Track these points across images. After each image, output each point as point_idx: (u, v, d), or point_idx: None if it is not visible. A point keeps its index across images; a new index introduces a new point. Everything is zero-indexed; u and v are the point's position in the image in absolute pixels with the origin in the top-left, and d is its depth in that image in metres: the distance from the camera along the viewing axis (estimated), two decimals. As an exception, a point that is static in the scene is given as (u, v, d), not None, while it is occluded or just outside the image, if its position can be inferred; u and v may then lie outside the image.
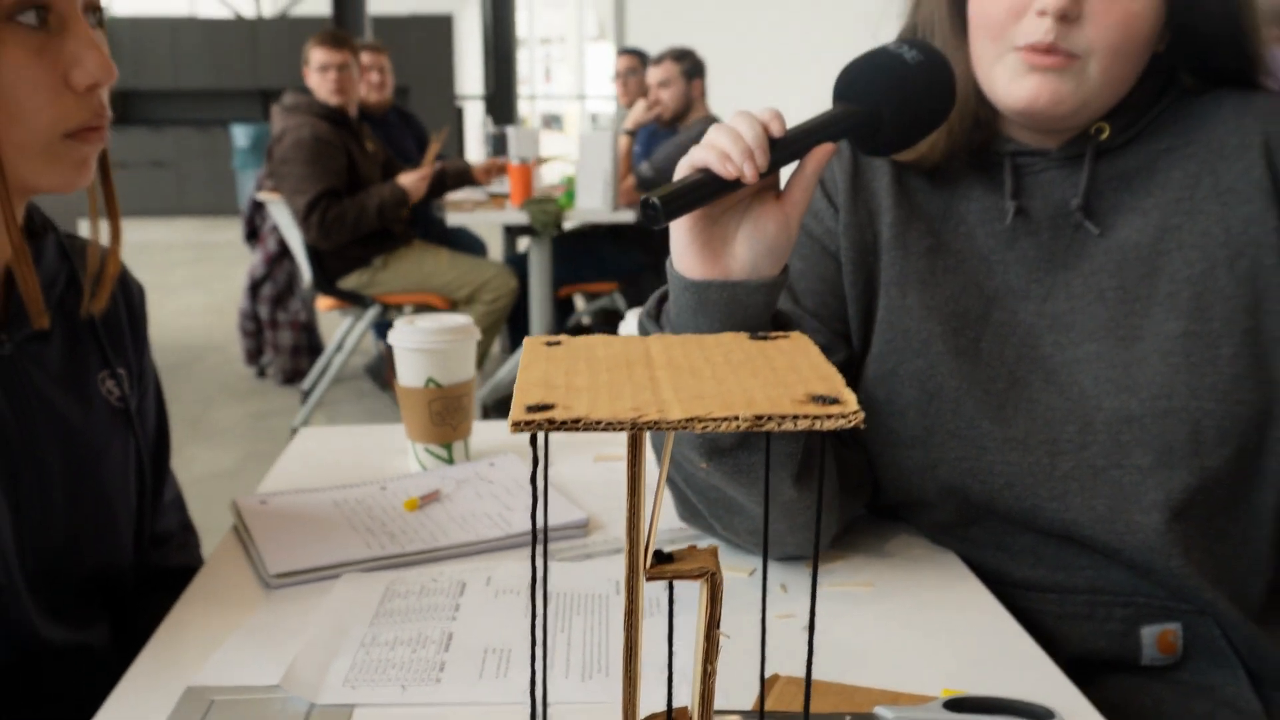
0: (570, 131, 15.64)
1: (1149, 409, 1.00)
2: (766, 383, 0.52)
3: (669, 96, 4.59)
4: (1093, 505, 1.01)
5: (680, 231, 0.89)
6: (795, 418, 0.48)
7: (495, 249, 6.08)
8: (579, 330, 4.65)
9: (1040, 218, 1.08)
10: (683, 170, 0.86)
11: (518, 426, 0.47)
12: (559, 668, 0.85)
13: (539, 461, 0.49)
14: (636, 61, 5.31)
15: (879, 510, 1.15)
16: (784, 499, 0.97)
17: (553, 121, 16.67)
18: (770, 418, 0.47)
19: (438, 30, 12.59)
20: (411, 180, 4.17)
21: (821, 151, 0.89)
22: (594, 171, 4.19)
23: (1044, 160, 1.08)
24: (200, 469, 4.03)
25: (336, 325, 4.77)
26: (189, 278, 8.55)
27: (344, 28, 8.78)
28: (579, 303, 5.31)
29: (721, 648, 0.57)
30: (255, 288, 5.06)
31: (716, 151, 0.84)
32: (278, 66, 12.38)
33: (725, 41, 10.92)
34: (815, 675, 0.85)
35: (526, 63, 14.56)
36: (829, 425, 0.48)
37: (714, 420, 0.47)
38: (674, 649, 0.58)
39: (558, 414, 0.47)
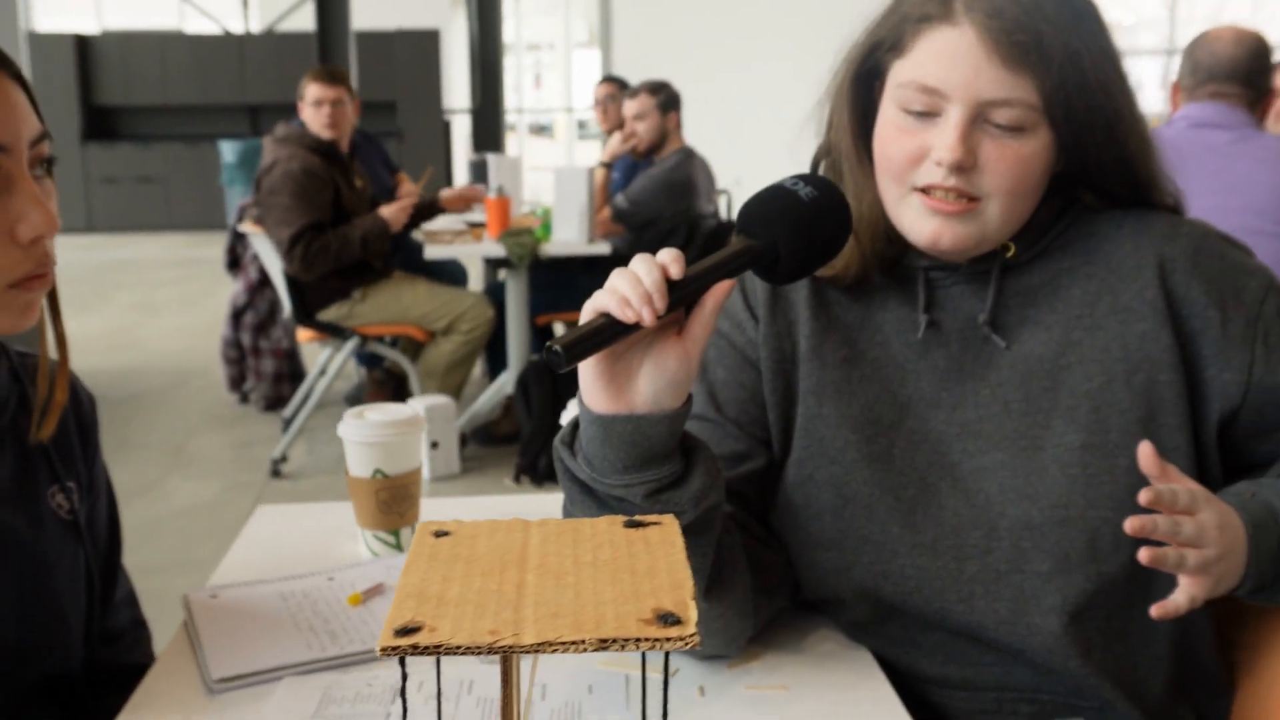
0: (560, 139, 15.69)
1: (1049, 517, 1.05)
2: (620, 594, 0.57)
3: (644, 129, 4.64)
4: (996, 608, 1.06)
5: (586, 370, 0.94)
6: (638, 640, 0.53)
7: (476, 275, 6.13)
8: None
9: (951, 330, 1.13)
10: (586, 314, 0.91)
11: (386, 651, 0.52)
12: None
13: (407, 678, 0.54)
14: (615, 88, 5.36)
15: (802, 604, 1.20)
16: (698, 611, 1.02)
17: (542, 130, 16.73)
18: (615, 640, 0.53)
19: (424, 44, 12.63)
20: (392, 211, 4.23)
21: (720, 289, 0.94)
22: (570, 204, 4.25)
23: (954, 275, 1.13)
24: (181, 501, 4.08)
25: (319, 352, 4.82)
26: (176, 296, 8.60)
27: (329, 43, 8.84)
28: (558, 330, 5.36)
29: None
30: (237, 315, 5.11)
31: (617, 297, 0.89)
32: (265, 82, 12.43)
33: (712, 46, 11.01)
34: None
35: (514, 70, 14.60)
36: (667, 647, 0.53)
37: (563, 644, 0.52)
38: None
39: (422, 638, 0.53)
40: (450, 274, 5.16)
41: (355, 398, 4.96)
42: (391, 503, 1.35)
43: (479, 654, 0.52)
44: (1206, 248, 1.10)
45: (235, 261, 5.09)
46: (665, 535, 0.64)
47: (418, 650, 0.52)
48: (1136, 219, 1.12)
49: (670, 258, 0.92)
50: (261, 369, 5.16)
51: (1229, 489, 1.06)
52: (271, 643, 1.12)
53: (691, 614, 0.55)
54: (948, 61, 1.03)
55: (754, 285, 1.19)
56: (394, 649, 0.52)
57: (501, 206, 4.34)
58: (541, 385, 4.06)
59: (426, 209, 4.59)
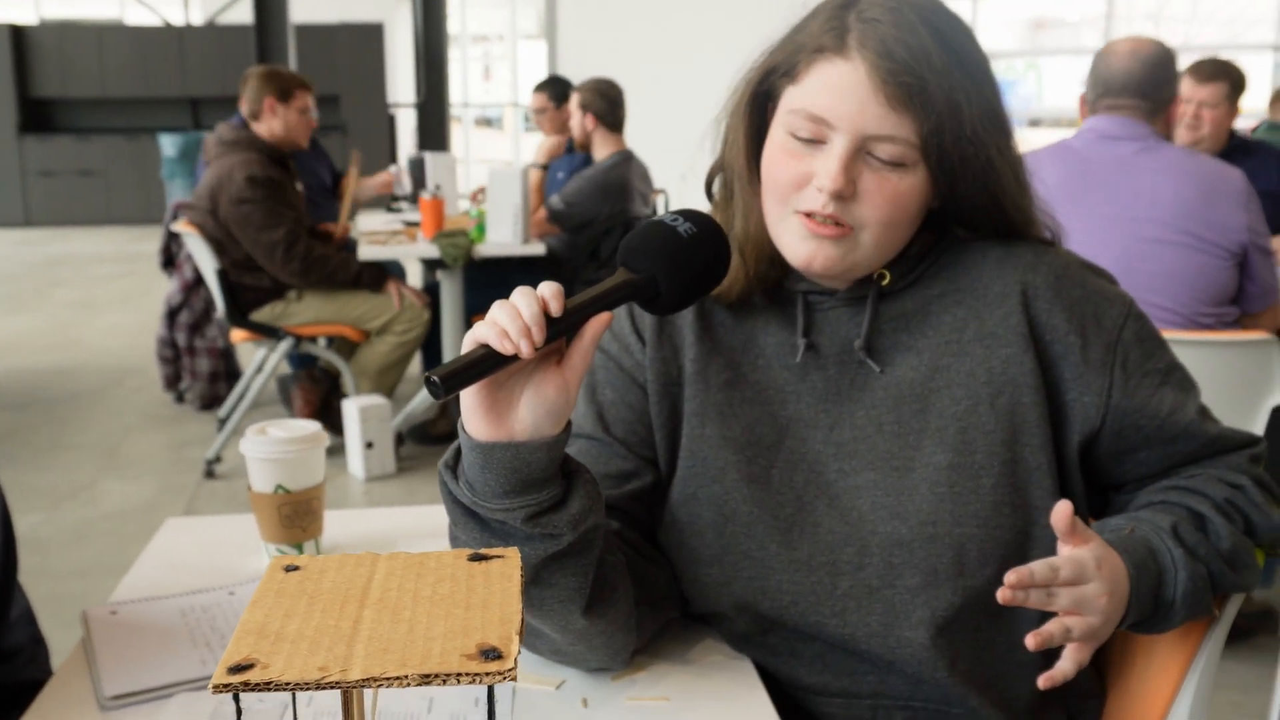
0: (508, 131, 15.65)
1: (918, 534, 1.10)
2: (451, 629, 0.60)
3: (573, 124, 4.68)
4: (868, 621, 1.11)
5: (468, 397, 0.97)
6: (459, 675, 0.56)
7: (414, 275, 6.13)
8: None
9: (828, 353, 1.17)
10: (467, 344, 0.94)
11: (218, 689, 0.55)
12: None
13: (241, 714, 0.57)
14: (546, 99, 5.38)
15: (691, 616, 1.24)
16: (576, 628, 1.05)
17: (490, 123, 16.69)
18: (437, 675, 0.56)
19: (368, 38, 12.57)
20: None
21: (599, 321, 0.97)
22: (504, 205, 4.27)
23: (832, 300, 1.17)
24: (113, 503, 4.06)
25: (255, 350, 4.80)
26: (115, 293, 8.52)
27: (269, 36, 8.78)
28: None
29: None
30: (173, 314, 5.08)
31: (496, 329, 0.92)
32: (206, 75, 12.30)
33: (659, 37, 11.03)
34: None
35: (460, 62, 14.54)
36: (486, 681, 0.56)
37: (388, 679, 0.56)
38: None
39: (254, 675, 0.56)
40: (386, 271, 5.16)
41: (284, 389, 4.94)
42: (294, 517, 1.37)
43: (308, 689, 0.55)
44: (1068, 276, 1.15)
45: (170, 260, 5.07)
46: (505, 569, 0.67)
47: (249, 687, 0.55)
48: (1002, 248, 1.17)
49: (550, 292, 0.95)
50: (197, 368, 5.13)
51: (1107, 523, 1.11)
52: (166, 659, 1.15)
53: (513, 649, 0.58)
54: (837, 93, 1.07)
55: (641, 311, 1.23)
56: (226, 686, 0.55)
57: (436, 207, 4.35)
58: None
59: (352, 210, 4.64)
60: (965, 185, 1.10)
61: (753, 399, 1.18)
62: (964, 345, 1.14)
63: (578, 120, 4.65)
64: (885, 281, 1.16)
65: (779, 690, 1.16)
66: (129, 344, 6.65)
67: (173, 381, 5.25)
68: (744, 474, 1.15)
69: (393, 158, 12.28)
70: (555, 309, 0.94)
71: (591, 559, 1.03)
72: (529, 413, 0.97)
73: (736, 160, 1.19)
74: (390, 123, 12.69)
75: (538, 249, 4.32)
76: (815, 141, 1.09)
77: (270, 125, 4.32)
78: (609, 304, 0.99)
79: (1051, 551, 1.11)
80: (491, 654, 0.58)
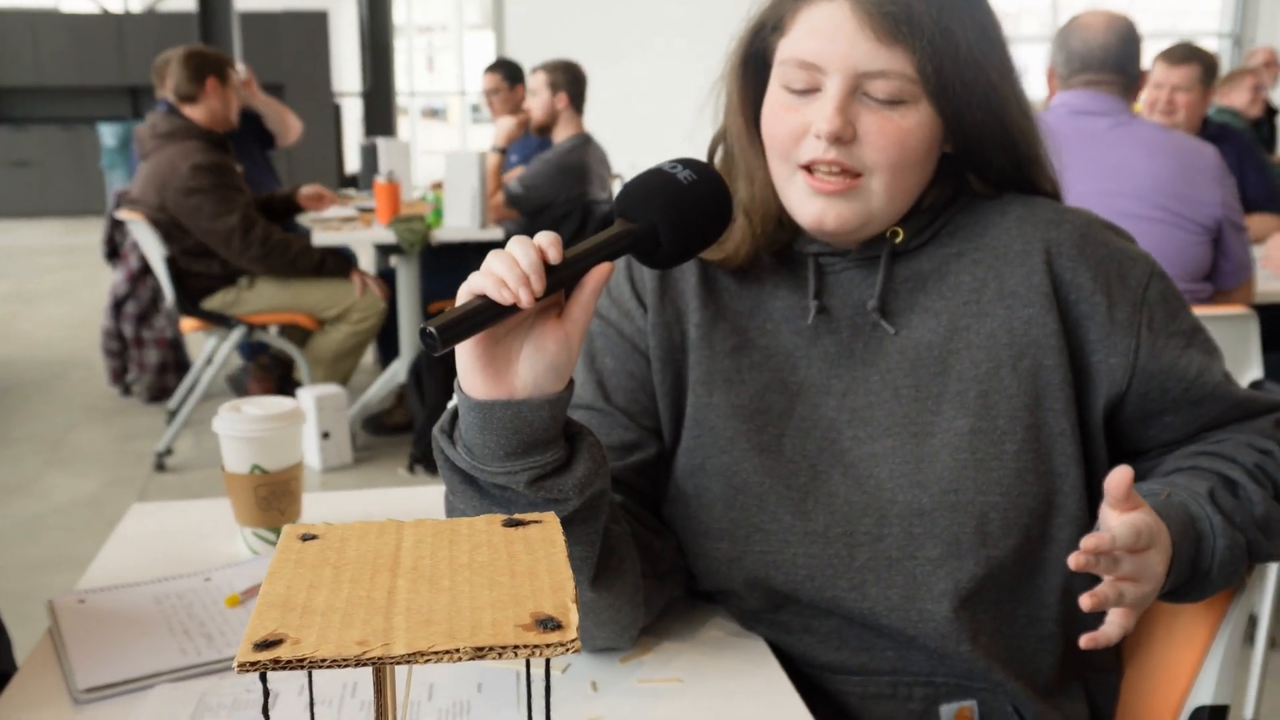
0: (453, 122, 15.49)
1: (939, 502, 1.05)
2: (499, 598, 0.54)
3: (535, 106, 4.60)
4: (888, 595, 1.06)
5: (464, 354, 0.92)
6: (515, 648, 0.50)
7: (367, 262, 6.02)
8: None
9: (841, 316, 1.12)
10: (462, 296, 0.89)
11: (244, 668, 0.49)
12: (365, 786, 0.87)
13: (269, 695, 0.51)
14: (499, 80, 5.29)
15: (696, 593, 1.19)
16: (584, 602, 1.00)
17: (435, 114, 16.50)
18: (492, 649, 0.50)
19: (312, 26, 12.37)
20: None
21: (600, 272, 0.92)
22: (462, 189, 4.18)
23: (844, 261, 1.12)
24: (60, 497, 3.93)
25: (205, 341, 4.68)
26: (55, 286, 8.30)
27: (212, 24, 8.60)
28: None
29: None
30: (118, 305, 4.94)
31: (493, 279, 0.87)
32: (146, 63, 12.02)
33: (608, 28, 10.96)
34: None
35: (406, 52, 14.36)
36: (547, 654, 0.50)
37: (437, 653, 0.50)
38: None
39: (285, 652, 0.49)
40: (339, 259, 5.06)
41: (238, 381, 4.83)
42: (271, 499, 1.30)
43: (347, 666, 0.49)
44: (1091, 233, 1.11)
45: (115, 251, 4.92)
46: (546, 534, 0.62)
47: (279, 665, 0.49)
48: (1022, 205, 1.13)
49: (547, 240, 0.90)
50: (145, 360, 5.00)
51: (1139, 488, 1.07)
52: (143, 649, 1.07)
53: (572, 618, 0.52)
54: (823, 36, 1.04)
55: (642, 274, 1.18)
56: (253, 664, 0.49)
57: (391, 192, 4.26)
58: (435, 374, 3.99)
59: (281, 205, 4.51)
60: (971, 115, 1.06)
61: (761, 365, 1.13)
62: (984, 306, 1.09)
63: (544, 100, 4.57)
64: (899, 240, 1.11)
65: (792, 669, 1.10)
66: (71, 336, 6.48)
67: (119, 374, 5.11)
68: (754, 443, 1.10)
69: (338, 147, 12.11)
70: (554, 256, 0.89)
71: (598, 527, 0.98)
72: (529, 369, 0.91)
73: (735, 124, 1.15)
74: (336, 112, 12.51)
75: (495, 234, 4.24)
76: (810, 91, 1.06)
77: (210, 106, 4.19)
78: (609, 254, 0.94)
79: (1075, 520, 1.07)
80: (550, 624, 0.52)
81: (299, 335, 4.43)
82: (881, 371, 1.10)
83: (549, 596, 0.54)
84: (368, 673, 1.05)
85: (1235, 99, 5.27)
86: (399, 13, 12.44)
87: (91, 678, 1.02)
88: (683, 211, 0.97)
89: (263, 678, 0.50)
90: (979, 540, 1.05)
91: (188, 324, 4.31)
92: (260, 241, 3.99)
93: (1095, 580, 1.13)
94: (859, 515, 1.07)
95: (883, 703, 1.08)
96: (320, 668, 0.49)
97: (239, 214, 3.96)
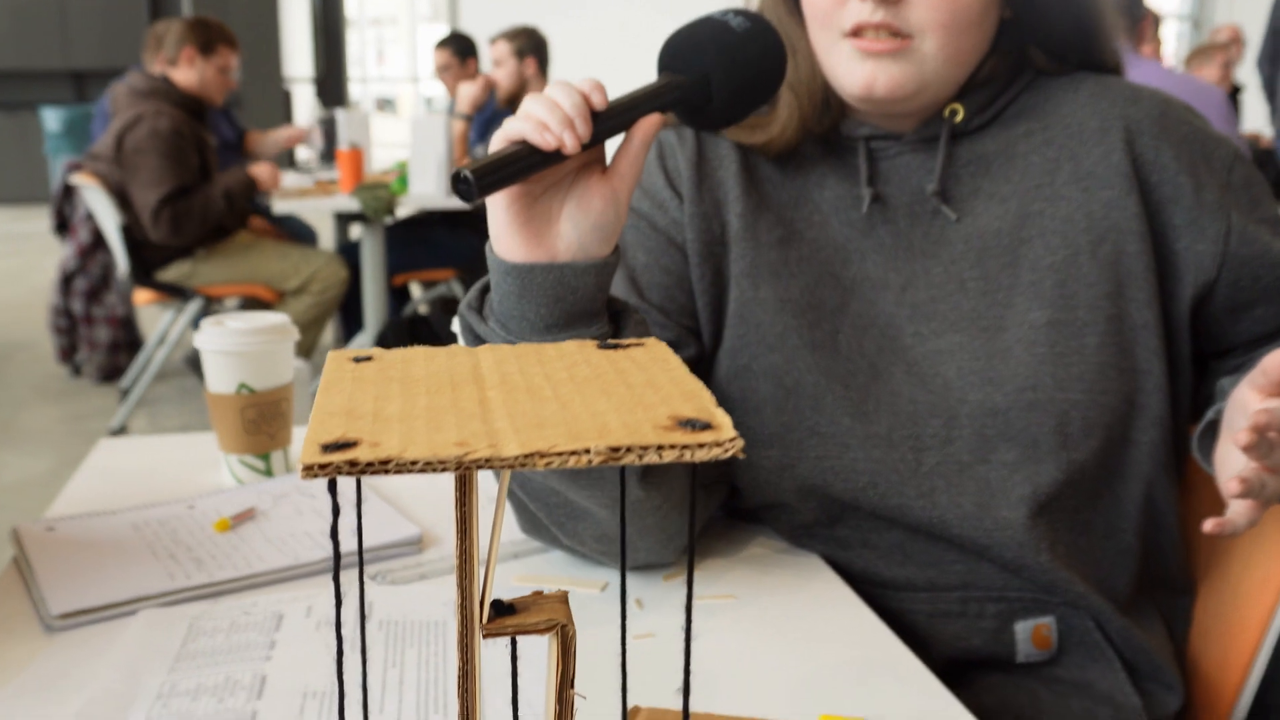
0: (404, 114, 15.28)
1: (1014, 401, 0.95)
2: (621, 404, 0.43)
3: (502, 76, 4.47)
4: (960, 502, 0.96)
5: (498, 211, 0.81)
6: (659, 448, 0.39)
7: (327, 237, 5.86)
8: (416, 321, 4.48)
9: (897, 204, 1.02)
10: (497, 144, 0.78)
11: (310, 471, 0.37)
12: (390, 711, 0.76)
13: (339, 513, 0.39)
14: (449, 55, 5.15)
15: (735, 513, 1.08)
16: (630, 499, 0.89)
17: (386, 105, 16.27)
18: (629, 449, 0.39)
19: (262, 9, 12.11)
20: (264, 171, 3.97)
21: (649, 123, 0.83)
22: (428, 155, 4.05)
23: (898, 144, 1.03)
24: (10, 476, 3.75)
25: (158, 317, 4.51)
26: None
27: (161, 6, 8.38)
28: (415, 291, 5.15)
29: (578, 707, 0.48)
30: (67, 281, 4.74)
31: (533, 121, 0.77)
32: (91, 46, 11.74)
33: (562, 22, 10.81)
34: (694, 707, 0.77)
35: (358, 44, 14.13)
36: (701, 456, 0.39)
37: (560, 455, 0.38)
38: (519, 717, 0.49)
39: (362, 453, 0.38)
40: (298, 235, 4.90)
41: (196, 360, 4.66)
42: (260, 422, 1.18)
43: (442, 470, 0.38)
44: (1171, 112, 1.02)
45: (64, 224, 4.73)
46: (653, 354, 0.50)
47: (358, 468, 0.37)
48: (1095, 82, 1.03)
49: (591, 85, 0.80)
50: (95, 338, 4.80)
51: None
52: (123, 573, 0.95)
53: (723, 418, 0.41)
54: None
55: (676, 163, 1.07)
56: (322, 467, 0.37)
57: (354, 159, 4.11)
58: (402, 346, 3.85)
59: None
60: None
61: (810, 258, 1.02)
62: (1058, 189, 1.00)
63: (511, 69, 4.45)
64: (959, 118, 1.01)
65: (851, 587, 1.00)
66: (15, 319, 6.26)
67: (68, 353, 4.91)
68: (806, 340, 0.99)
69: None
70: (598, 101, 0.79)
71: None
72: (573, 228, 0.82)
73: None
74: (286, 99, 12.26)
75: (462, 203, 4.10)
76: None
77: (186, 76, 4.03)
78: (657, 106, 0.84)
79: (1157, 421, 0.98)
80: (696, 424, 0.40)
81: (259, 308, 4.27)
82: (944, 263, 1.00)
83: (683, 402, 0.43)
84: (387, 594, 0.93)
85: (1207, 74, 5.25)
86: (351, 5, 12.24)
87: (66, 603, 0.89)
88: (737, 63, 0.86)
89: (332, 486, 0.39)
90: (1059, 442, 0.95)
91: (142, 296, 4.14)
92: (169, 220, 3.77)
93: (1178, 491, 1.04)
94: (925, 416, 0.97)
95: (952, 621, 0.98)
96: (410, 471, 0.37)
97: (165, 190, 3.76)
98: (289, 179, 4.77)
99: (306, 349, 4.20)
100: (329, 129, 5.21)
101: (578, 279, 0.81)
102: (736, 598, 0.93)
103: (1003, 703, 0.95)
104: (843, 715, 0.75)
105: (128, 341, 4.85)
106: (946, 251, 1.00)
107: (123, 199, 3.89)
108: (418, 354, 0.51)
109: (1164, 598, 1.07)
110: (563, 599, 0.47)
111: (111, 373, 4.81)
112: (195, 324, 4.39)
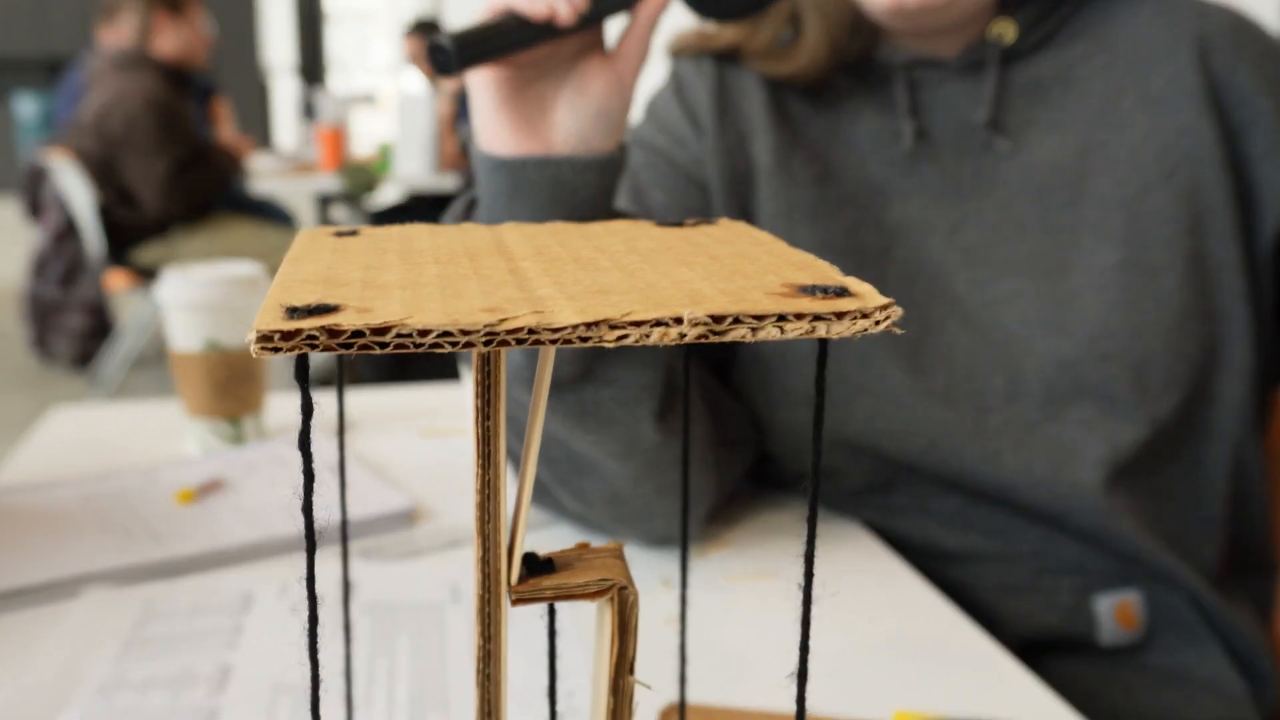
0: (385, 108, 15.10)
1: (1087, 351, 0.84)
2: (710, 274, 0.31)
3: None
4: (1029, 465, 0.84)
5: (484, 94, 0.71)
6: (780, 319, 0.27)
7: (307, 223, 5.71)
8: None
9: (942, 139, 0.91)
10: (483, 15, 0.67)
11: (267, 343, 0.25)
12: (380, 707, 0.63)
13: (311, 410, 0.27)
14: (421, 43, 5.00)
15: (763, 481, 0.97)
16: (645, 446, 0.77)
17: (367, 99, 16.08)
18: (738, 320, 0.27)
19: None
20: (238, 141, 3.84)
21: (655, 1, 0.72)
22: (413, 135, 3.92)
23: (942, 72, 0.91)
24: (-25, 465, 3.60)
25: (132, 303, 4.36)
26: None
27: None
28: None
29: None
30: (41, 267, 4.59)
31: None
32: (68, 32, 11.53)
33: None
34: (724, 697, 0.65)
35: (338, 39, 13.96)
36: (842, 330, 0.27)
37: (638, 325, 0.26)
38: (557, 711, 0.37)
39: (346, 319, 0.26)
40: (274, 220, 4.75)
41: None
42: (229, 384, 1.05)
43: (465, 346, 0.25)
44: (1246, 26, 0.91)
45: (35, 208, 4.57)
46: (738, 231, 0.38)
47: (339, 339, 0.25)
48: None
49: None
50: (68, 325, 4.65)
51: None
52: (67, 549, 0.82)
53: (864, 287, 0.29)
54: None
55: (695, 95, 0.95)
56: (287, 336, 0.25)
57: (336, 138, 3.98)
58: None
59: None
60: None
61: (849, 200, 0.90)
62: (1124, 115, 0.88)
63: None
64: (1009, 39, 0.89)
65: (908, 560, 0.88)
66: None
67: (39, 341, 4.76)
68: None
69: (267, 126, 11.71)
70: None
71: (661, 348, 0.76)
72: (572, 116, 0.71)
73: None
74: (263, 92, 12.08)
75: (449, 183, 3.97)
76: None
77: (166, 43, 3.88)
78: None
79: (1243, 373, 0.87)
80: (829, 289, 0.28)
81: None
82: (998, 202, 0.89)
83: (796, 271, 0.31)
84: (375, 572, 0.80)
85: None
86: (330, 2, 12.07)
87: (-1, 582, 0.76)
88: None
89: (300, 373, 0.26)
90: (1137, 397, 0.83)
91: (117, 280, 3.99)
92: (186, 190, 3.67)
93: (1264, 455, 0.93)
94: (987, 371, 0.85)
95: (1024, 596, 0.86)
96: (416, 347, 0.25)
97: (175, 157, 3.65)
98: (265, 162, 4.62)
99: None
100: (310, 112, 5.07)
101: (578, 176, 0.71)
102: (779, 575, 0.81)
103: (1089, 696, 0.83)
104: (921, 713, 0.63)
105: (101, 329, 4.70)
106: (1000, 189, 0.89)
107: (105, 176, 3.74)
108: (420, 229, 0.39)
109: (1251, 577, 0.96)
110: (617, 553, 0.35)
111: (84, 361, 4.65)
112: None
